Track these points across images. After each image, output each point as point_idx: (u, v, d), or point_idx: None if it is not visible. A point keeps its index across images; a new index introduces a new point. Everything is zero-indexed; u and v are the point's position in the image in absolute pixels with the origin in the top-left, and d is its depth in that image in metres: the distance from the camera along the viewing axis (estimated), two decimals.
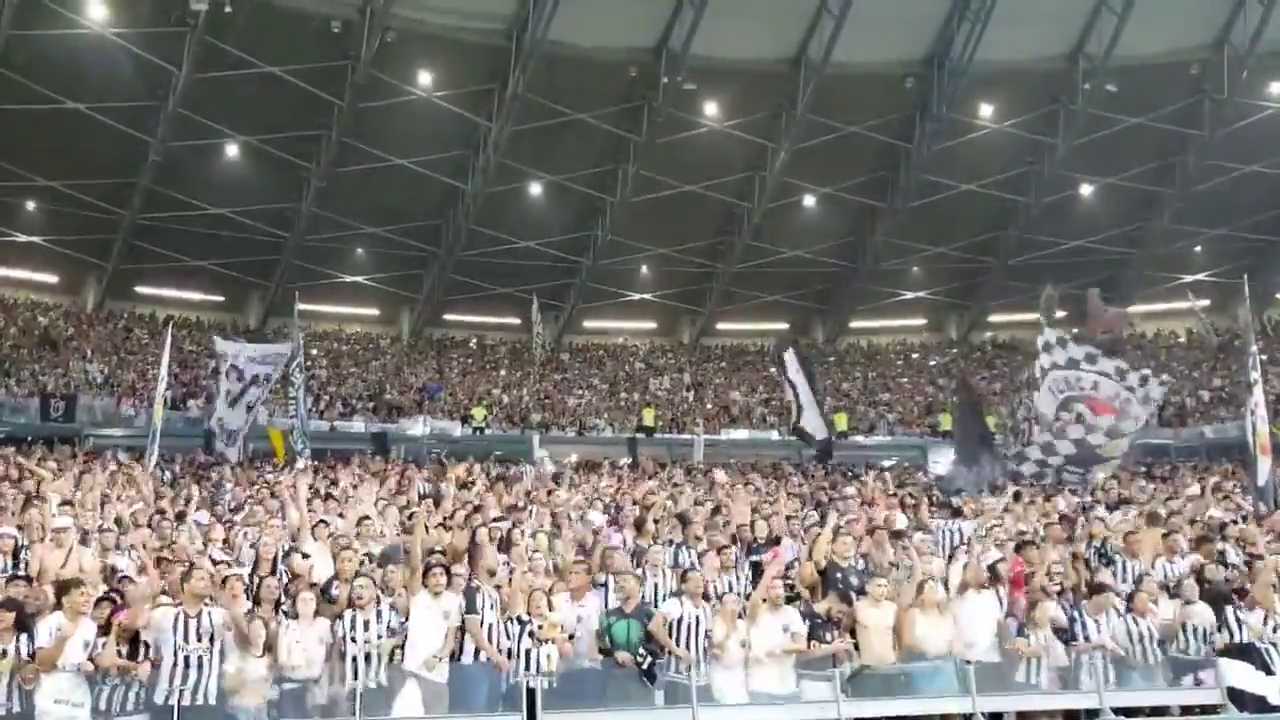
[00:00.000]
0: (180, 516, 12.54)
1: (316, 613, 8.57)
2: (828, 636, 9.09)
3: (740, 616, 9.16)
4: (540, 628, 8.71)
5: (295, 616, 8.51)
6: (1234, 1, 37.05)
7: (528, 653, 8.61)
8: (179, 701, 7.67)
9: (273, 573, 9.49)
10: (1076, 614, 9.64)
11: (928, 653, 9.17)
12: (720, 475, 19.24)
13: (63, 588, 8.14)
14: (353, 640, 8.40)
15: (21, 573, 9.32)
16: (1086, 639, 9.42)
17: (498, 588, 9.24)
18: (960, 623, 9.42)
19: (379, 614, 8.57)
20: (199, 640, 7.87)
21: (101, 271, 40.34)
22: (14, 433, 28.63)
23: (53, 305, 39.63)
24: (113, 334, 38.93)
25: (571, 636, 8.95)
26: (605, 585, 9.76)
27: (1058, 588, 10.02)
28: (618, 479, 20.10)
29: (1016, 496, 15.51)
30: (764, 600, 9.14)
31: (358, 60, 34.81)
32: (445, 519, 12.14)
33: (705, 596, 9.38)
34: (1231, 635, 9.54)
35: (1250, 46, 37.11)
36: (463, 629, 8.70)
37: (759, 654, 8.93)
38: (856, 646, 9.17)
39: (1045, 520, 13.27)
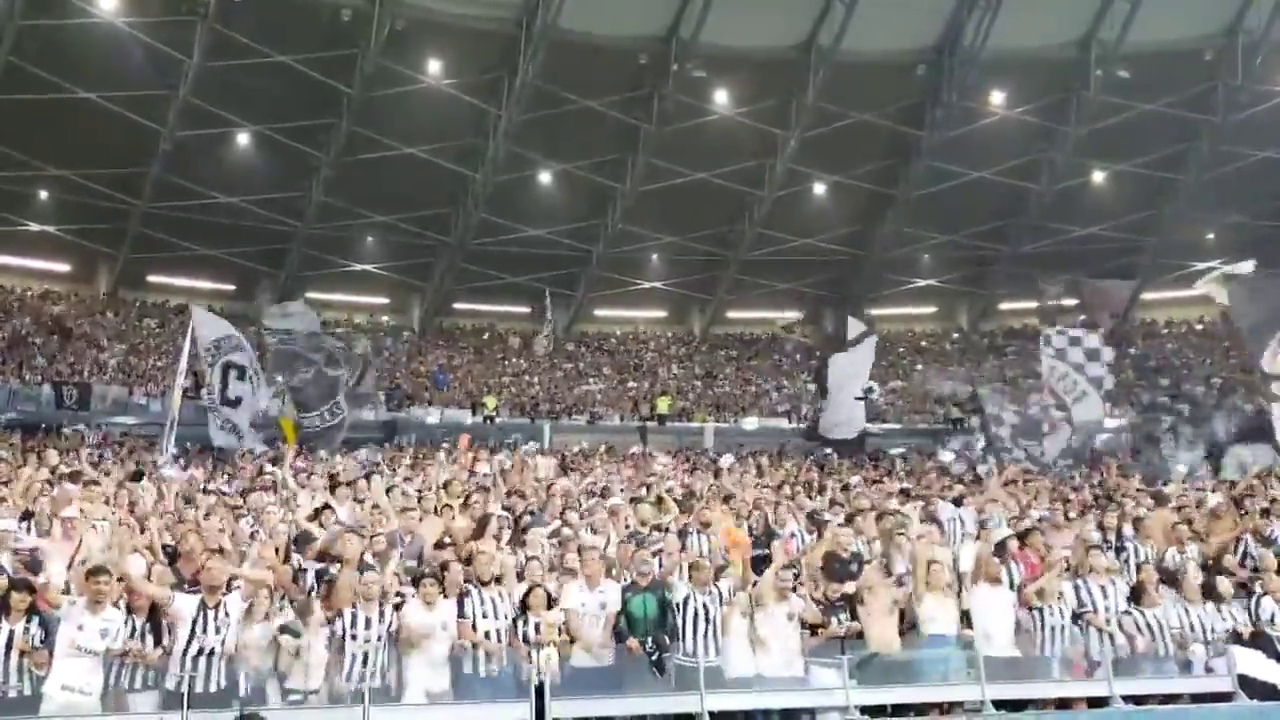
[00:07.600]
0: (190, 500, 12.43)
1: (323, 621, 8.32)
2: (835, 619, 9.07)
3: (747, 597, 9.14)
4: (538, 629, 8.61)
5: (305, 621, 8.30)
6: None
7: (529, 653, 8.43)
8: (189, 689, 7.60)
9: (285, 560, 9.39)
10: (1080, 582, 9.66)
11: (934, 631, 9.12)
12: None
13: (87, 575, 7.85)
14: (352, 638, 8.15)
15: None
16: (1093, 609, 9.41)
17: (499, 579, 9.04)
18: (975, 615, 9.37)
19: (381, 614, 8.32)
20: (216, 633, 7.85)
21: (113, 260, 40.50)
22: (27, 420, 28.77)
23: (65, 294, 39.81)
24: (125, 322, 39.07)
25: (567, 628, 8.82)
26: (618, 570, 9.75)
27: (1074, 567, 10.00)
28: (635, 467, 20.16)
29: (1008, 480, 15.55)
30: (774, 590, 9.08)
31: (367, 49, 34.82)
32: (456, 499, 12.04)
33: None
34: (1256, 620, 9.53)
35: (1264, 32, 36.82)
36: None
37: (766, 640, 8.89)
38: (859, 634, 9.15)
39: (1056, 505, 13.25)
